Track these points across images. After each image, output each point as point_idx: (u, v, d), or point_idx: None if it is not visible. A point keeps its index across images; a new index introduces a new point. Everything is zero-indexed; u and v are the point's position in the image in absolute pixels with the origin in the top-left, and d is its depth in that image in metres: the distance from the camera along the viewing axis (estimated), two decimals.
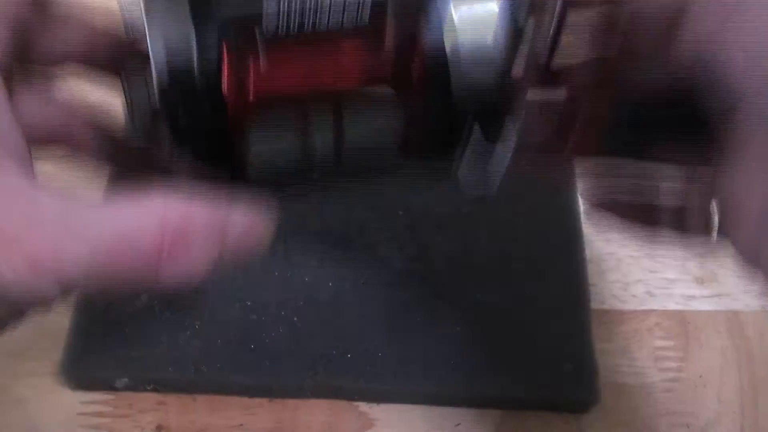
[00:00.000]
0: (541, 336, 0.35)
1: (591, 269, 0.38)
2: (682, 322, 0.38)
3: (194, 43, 0.21)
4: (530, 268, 0.37)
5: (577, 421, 0.35)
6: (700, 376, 0.36)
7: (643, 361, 0.36)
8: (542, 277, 0.37)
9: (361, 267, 0.37)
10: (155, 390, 0.34)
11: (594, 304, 0.37)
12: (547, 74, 0.23)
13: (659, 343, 0.37)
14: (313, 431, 0.34)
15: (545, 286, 0.37)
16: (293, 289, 0.36)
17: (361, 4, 0.21)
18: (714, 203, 0.25)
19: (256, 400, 0.35)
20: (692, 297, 0.38)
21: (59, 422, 0.33)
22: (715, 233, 0.26)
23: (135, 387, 0.34)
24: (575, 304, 0.36)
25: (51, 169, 0.24)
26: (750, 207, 0.23)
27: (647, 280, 0.39)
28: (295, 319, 0.35)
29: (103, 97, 0.27)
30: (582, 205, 0.38)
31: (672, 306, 0.38)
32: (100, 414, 0.34)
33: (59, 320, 0.35)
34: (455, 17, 0.22)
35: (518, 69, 0.22)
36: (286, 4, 0.21)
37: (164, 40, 0.21)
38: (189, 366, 0.34)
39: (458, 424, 0.34)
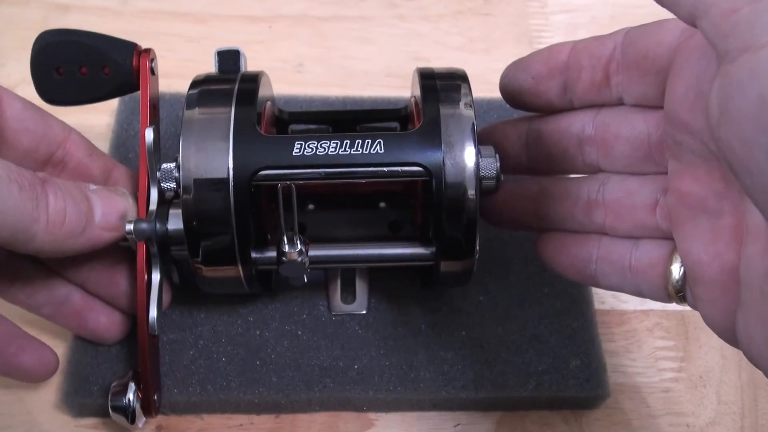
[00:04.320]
0: (547, 334, 0.35)
1: None
2: (682, 322, 0.37)
3: None
4: (533, 268, 0.37)
5: (577, 420, 0.35)
6: (700, 376, 0.36)
7: (643, 361, 0.36)
8: (545, 276, 0.37)
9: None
10: (162, 413, 0.33)
11: (594, 304, 0.37)
12: None
13: (659, 343, 0.37)
14: (313, 431, 0.34)
15: (549, 284, 0.37)
16: (295, 302, 0.36)
17: None
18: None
19: None
20: None
21: (61, 422, 0.33)
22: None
23: None
24: (579, 302, 0.36)
25: None
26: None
27: None
28: (299, 332, 0.35)
29: None
30: None
31: (672, 306, 0.38)
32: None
33: None
34: None
35: None
36: None
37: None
38: (195, 386, 0.33)
39: (458, 425, 0.34)
